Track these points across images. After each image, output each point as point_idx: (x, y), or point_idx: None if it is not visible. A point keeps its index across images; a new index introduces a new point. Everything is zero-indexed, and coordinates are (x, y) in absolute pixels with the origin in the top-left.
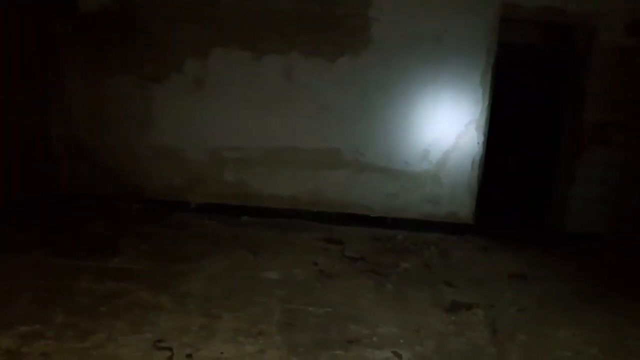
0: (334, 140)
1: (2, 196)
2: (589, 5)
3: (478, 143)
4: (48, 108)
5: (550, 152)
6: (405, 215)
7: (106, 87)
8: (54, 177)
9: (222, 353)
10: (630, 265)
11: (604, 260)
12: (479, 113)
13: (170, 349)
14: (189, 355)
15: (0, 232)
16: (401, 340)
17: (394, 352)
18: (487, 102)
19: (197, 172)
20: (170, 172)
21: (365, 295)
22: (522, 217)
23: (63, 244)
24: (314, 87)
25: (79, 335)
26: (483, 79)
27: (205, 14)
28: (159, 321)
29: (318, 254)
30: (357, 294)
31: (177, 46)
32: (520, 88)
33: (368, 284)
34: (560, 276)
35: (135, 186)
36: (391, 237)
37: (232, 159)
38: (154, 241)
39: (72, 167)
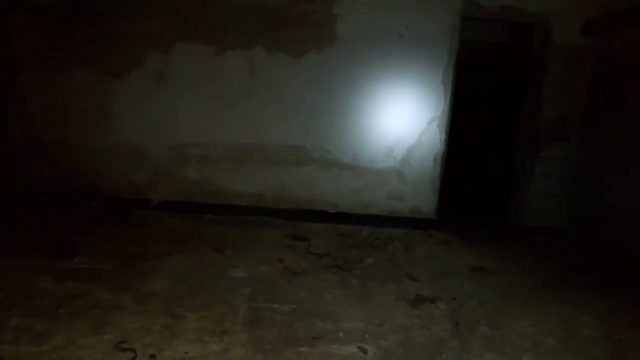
0: (299, 137)
1: None
2: (546, 6)
3: (440, 140)
4: (4, 104)
5: (511, 149)
6: (370, 211)
7: (64, 82)
8: (10, 175)
9: (186, 353)
10: (584, 257)
11: (560, 253)
12: (441, 110)
13: (132, 349)
14: (152, 356)
15: None
16: (366, 335)
17: (359, 347)
18: (448, 100)
19: (159, 169)
20: (132, 169)
21: (330, 291)
22: (484, 211)
23: (20, 244)
24: (279, 83)
25: (36, 338)
26: (445, 77)
27: (167, 8)
28: (121, 322)
29: (283, 250)
30: (322, 290)
31: (138, 40)
32: (484, 86)
33: (333, 279)
34: (520, 269)
35: (95, 184)
36: (356, 232)
37: (195, 156)
38: (115, 240)
39: (30, 164)
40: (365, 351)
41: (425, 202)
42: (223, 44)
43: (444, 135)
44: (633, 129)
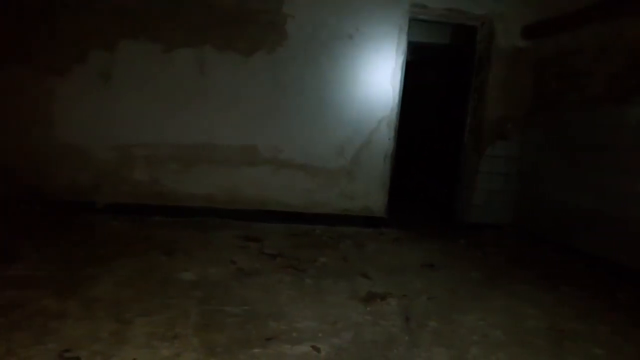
0: (251, 137)
1: None
2: (490, 9)
3: (389, 139)
4: None
5: (458, 146)
6: (323, 211)
7: (1, 80)
8: None
9: (135, 359)
10: (528, 251)
11: (506, 248)
12: (390, 110)
13: (78, 358)
14: None
15: None
16: (319, 334)
17: (313, 346)
18: (397, 99)
19: (104, 170)
20: (75, 171)
21: (284, 292)
22: (433, 208)
23: None
24: (229, 82)
25: None
26: (393, 77)
27: (111, 4)
28: (65, 330)
29: (236, 252)
30: (275, 291)
31: (80, 37)
32: (433, 85)
33: (287, 279)
34: (467, 264)
35: (36, 187)
36: (309, 232)
37: (142, 156)
38: (59, 245)
39: None
40: (318, 350)
41: (376, 201)
42: (171, 42)
43: (393, 134)
44: (568, 128)
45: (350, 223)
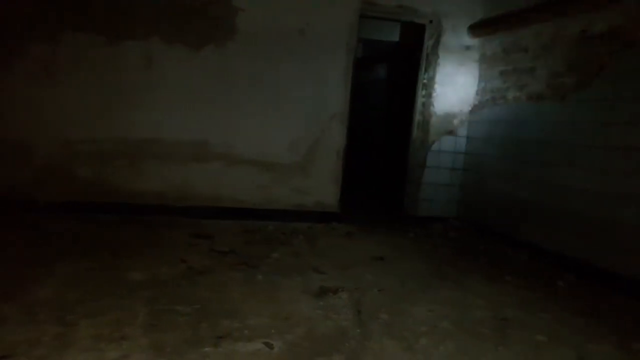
0: (201, 132)
1: None
2: (437, 7)
3: (341, 135)
4: None
5: (407, 142)
6: (276, 206)
7: None
8: None
9: None
10: (474, 243)
11: (453, 241)
12: (342, 106)
13: None
14: None
15: None
16: (272, 330)
17: (265, 343)
18: (349, 95)
19: (47, 167)
20: (15, 168)
21: (236, 289)
22: (384, 203)
23: None
24: (178, 76)
25: None
26: (345, 73)
27: None
28: (5, 335)
29: (186, 250)
30: (227, 288)
31: (20, 28)
32: (383, 82)
33: (239, 277)
34: (416, 257)
35: None
36: (262, 228)
37: (87, 153)
38: None
39: None
40: (271, 346)
41: (329, 196)
42: (116, 34)
43: (345, 130)
44: (511, 124)
45: (303, 218)
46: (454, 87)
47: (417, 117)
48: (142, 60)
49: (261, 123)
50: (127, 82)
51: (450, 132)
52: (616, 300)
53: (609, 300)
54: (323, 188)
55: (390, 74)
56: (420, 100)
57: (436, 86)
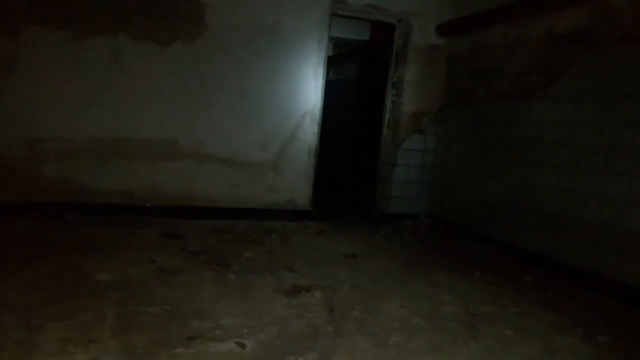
0: (170, 130)
1: None
2: (406, 6)
3: (313, 133)
4: None
5: (378, 140)
6: (248, 205)
7: None
8: None
9: None
10: (443, 240)
11: (423, 238)
12: (313, 104)
13: None
14: None
15: None
16: (245, 330)
17: (238, 343)
18: (320, 93)
19: (10, 166)
20: None
21: (207, 289)
22: (355, 200)
23: None
24: (147, 72)
25: None
26: (316, 71)
27: None
28: None
29: (156, 250)
30: (199, 288)
31: None
32: (354, 80)
33: (211, 276)
34: (388, 254)
35: None
36: (234, 227)
37: (52, 151)
38: None
39: None
40: (243, 346)
41: (301, 194)
42: (83, 30)
43: (316, 128)
44: (479, 122)
45: (276, 217)
46: (423, 86)
47: (388, 116)
48: (109, 57)
49: (232, 121)
50: (93, 79)
51: (420, 131)
52: (582, 294)
53: (575, 294)
54: (295, 186)
55: (361, 73)
56: (390, 99)
57: (406, 85)
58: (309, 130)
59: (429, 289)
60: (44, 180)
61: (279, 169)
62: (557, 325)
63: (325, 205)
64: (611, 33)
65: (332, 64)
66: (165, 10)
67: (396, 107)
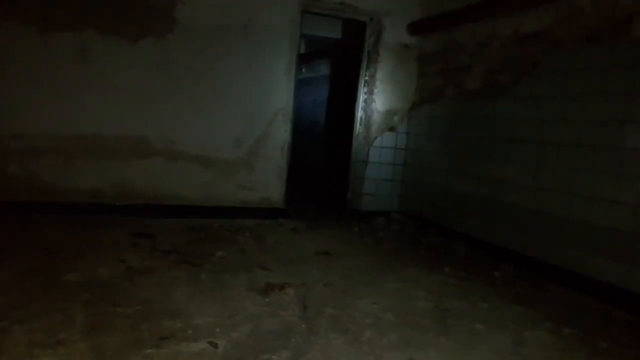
0: (140, 127)
1: None
2: (377, 5)
3: (286, 130)
4: None
5: (350, 138)
6: (221, 203)
7: None
8: None
9: None
10: (415, 236)
11: (395, 234)
12: (286, 101)
13: None
14: None
15: None
16: (217, 329)
17: (210, 342)
18: (292, 91)
19: None
20: None
21: (179, 289)
22: (328, 198)
23: None
24: (115, 69)
25: None
26: (288, 68)
27: None
28: None
29: (126, 249)
30: (170, 288)
31: None
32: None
33: (182, 276)
34: (361, 251)
35: None
36: (207, 226)
37: (17, 149)
38: None
39: None
40: (215, 345)
41: (274, 192)
42: (48, 24)
43: (289, 126)
44: (449, 120)
45: (249, 215)
46: (395, 85)
47: (360, 114)
48: (76, 52)
49: (204, 118)
50: (60, 75)
51: (392, 129)
52: (549, 288)
53: (543, 288)
54: (268, 184)
55: (333, 71)
56: (362, 97)
57: (377, 83)
58: (282, 128)
59: (400, 284)
60: (9, 179)
61: (251, 167)
62: (525, 318)
63: (299, 203)
64: (576, 33)
65: (305, 61)
66: (135, 6)
67: (368, 105)
